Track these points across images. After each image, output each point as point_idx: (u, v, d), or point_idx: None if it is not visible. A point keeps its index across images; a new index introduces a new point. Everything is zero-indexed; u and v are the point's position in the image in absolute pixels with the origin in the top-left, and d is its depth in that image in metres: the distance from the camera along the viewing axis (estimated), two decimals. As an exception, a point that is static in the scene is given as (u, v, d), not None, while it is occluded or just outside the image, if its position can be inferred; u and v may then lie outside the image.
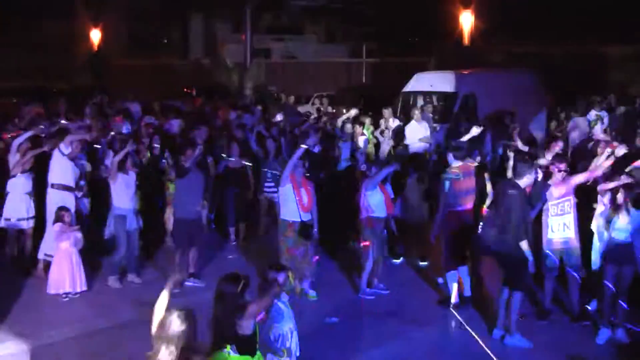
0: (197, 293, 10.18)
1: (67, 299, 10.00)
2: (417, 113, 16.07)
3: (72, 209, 10.77)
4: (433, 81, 19.37)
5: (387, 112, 16.51)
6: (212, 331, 5.82)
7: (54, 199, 10.83)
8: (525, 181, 8.55)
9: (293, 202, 9.93)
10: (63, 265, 9.99)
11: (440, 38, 31.48)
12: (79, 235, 10.22)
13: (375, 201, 10.15)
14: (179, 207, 10.65)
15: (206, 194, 11.30)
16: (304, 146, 10.12)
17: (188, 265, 10.75)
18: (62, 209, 10.33)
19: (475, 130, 11.03)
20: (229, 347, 5.69)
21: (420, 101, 19.07)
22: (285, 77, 32.10)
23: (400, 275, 11.23)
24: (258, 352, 5.90)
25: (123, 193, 10.56)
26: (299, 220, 9.94)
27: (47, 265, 10.56)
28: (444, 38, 30.88)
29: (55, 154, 10.94)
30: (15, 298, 10.06)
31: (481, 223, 8.76)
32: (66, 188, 10.93)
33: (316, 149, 12.99)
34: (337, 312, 9.54)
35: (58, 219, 10.15)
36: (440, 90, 18.91)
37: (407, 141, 14.75)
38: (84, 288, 10.18)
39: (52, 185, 10.90)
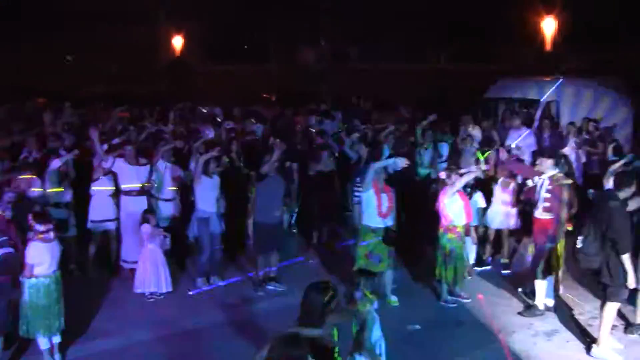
0: (278, 297, 10.32)
1: (152, 299, 10.20)
2: (517, 121, 15.85)
3: (139, 211, 10.91)
4: (515, 87, 19.06)
5: (466, 118, 16.30)
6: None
7: (127, 204, 11.14)
8: (626, 192, 8.30)
9: (374, 207, 9.91)
10: (148, 265, 10.18)
11: (521, 44, 30.96)
12: (165, 237, 10.42)
13: (454, 209, 10.06)
14: (259, 211, 10.69)
15: (286, 199, 11.32)
16: (400, 160, 10.04)
17: (269, 269, 10.84)
18: (147, 211, 10.54)
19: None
20: (309, 356, 5.68)
21: (501, 108, 18.79)
22: (364, 83, 32.03)
23: (483, 283, 11.06)
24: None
25: (207, 196, 10.73)
26: (381, 226, 9.92)
27: (130, 268, 10.84)
28: (525, 44, 30.36)
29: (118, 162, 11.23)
30: (102, 298, 10.32)
31: (580, 237, 8.45)
32: (137, 193, 11.22)
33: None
34: (418, 320, 9.46)
35: (144, 221, 10.37)
36: (522, 96, 18.59)
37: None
38: (169, 289, 10.35)
39: (124, 192, 11.23)
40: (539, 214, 9.56)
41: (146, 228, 10.23)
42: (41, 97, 26.78)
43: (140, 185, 11.28)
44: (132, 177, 11.23)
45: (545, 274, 9.61)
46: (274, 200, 10.66)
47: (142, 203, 11.12)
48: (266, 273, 10.84)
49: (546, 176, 9.56)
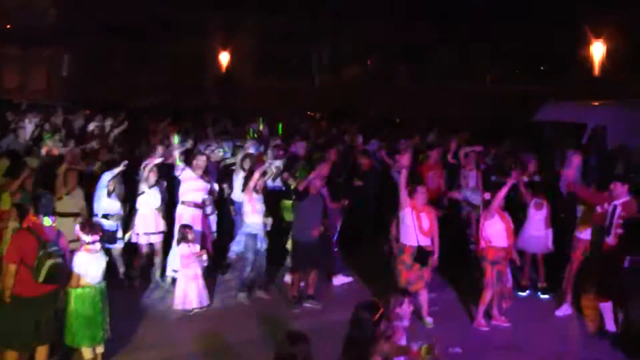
0: (315, 315, 10.38)
1: (193, 312, 10.30)
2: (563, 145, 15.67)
3: (199, 226, 11.17)
4: (561, 111, 18.90)
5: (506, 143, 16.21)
6: (344, 354, 5.89)
7: (183, 215, 11.24)
8: None
9: (411, 226, 9.92)
10: (189, 283, 10.29)
11: (568, 68, 30.70)
12: (204, 254, 10.55)
13: (494, 230, 10.03)
14: (298, 229, 10.82)
15: (325, 218, 11.34)
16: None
17: (307, 287, 10.90)
18: (185, 226, 10.65)
19: None
20: None
21: (548, 131, 18.64)
22: (409, 102, 32.00)
23: (525, 308, 10.93)
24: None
25: (254, 212, 10.86)
26: (416, 244, 9.92)
27: (175, 280, 10.95)
28: (572, 68, 30.09)
29: (186, 169, 11.37)
30: (145, 311, 10.46)
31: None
32: (195, 205, 11.33)
33: None
34: (456, 342, 9.40)
35: (182, 237, 10.50)
36: (569, 120, 18.42)
37: None
38: (208, 302, 10.46)
39: (183, 202, 11.34)
40: (612, 240, 9.49)
41: (183, 247, 10.35)
42: (89, 108, 27.30)
43: (202, 198, 11.41)
44: (196, 188, 11.33)
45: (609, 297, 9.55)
46: (313, 218, 10.74)
47: (198, 216, 11.24)
48: (303, 290, 10.91)
49: (619, 202, 9.51)
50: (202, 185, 11.43)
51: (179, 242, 10.48)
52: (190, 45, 40.42)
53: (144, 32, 38.06)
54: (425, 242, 9.96)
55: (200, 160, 11.45)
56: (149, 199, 11.32)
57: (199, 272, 10.40)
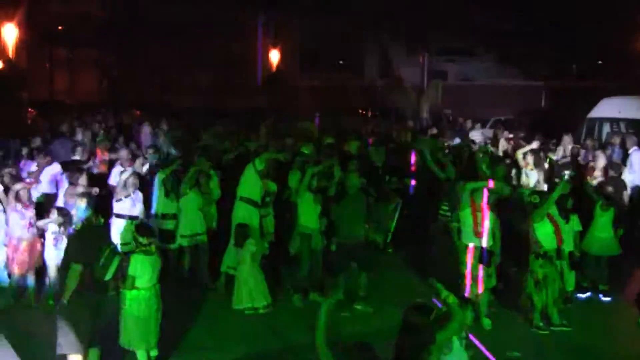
0: (366, 318, 10.19)
1: (250, 312, 10.20)
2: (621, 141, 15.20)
3: (257, 225, 11.06)
4: (622, 107, 18.35)
5: (567, 138, 15.83)
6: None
7: (240, 212, 11.14)
8: None
9: (470, 226, 9.75)
10: (244, 282, 10.23)
11: (628, 61, 30.00)
12: (260, 251, 10.45)
13: (543, 233, 9.79)
14: (342, 230, 10.55)
15: (369, 218, 11.10)
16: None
17: (357, 288, 10.62)
18: (241, 225, 10.59)
19: None
20: None
21: (606, 128, 18.17)
22: (461, 100, 31.67)
23: (583, 311, 10.63)
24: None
25: (310, 212, 10.71)
26: (477, 245, 9.73)
27: (230, 279, 10.89)
28: (632, 61, 29.38)
29: (249, 168, 11.26)
30: (199, 311, 10.40)
31: None
32: (253, 203, 11.22)
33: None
34: (513, 346, 9.16)
35: (239, 235, 10.41)
36: (630, 117, 17.89)
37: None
38: (267, 302, 10.30)
39: (241, 199, 11.22)
40: None
41: (250, 246, 10.27)
42: (138, 109, 27.61)
43: (260, 197, 11.31)
44: (256, 187, 11.22)
45: None
46: (357, 217, 10.52)
47: (255, 214, 11.14)
48: (353, 293, 10.64)
49: None
50: (258, 183, 11.30)
51: (237, 242, 10.35)
52: (236, 46, 40.66)
53: (192, 33, 38.36)
54: (485, 242, 9.74)
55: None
56: (191, 200, 11.27)
57: (258, 271, 10.29)
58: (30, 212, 10.27)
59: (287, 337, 9.56)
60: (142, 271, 7.78)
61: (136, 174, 11.15)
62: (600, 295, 11.14)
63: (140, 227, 8.04)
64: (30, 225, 10.20)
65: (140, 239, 7.80)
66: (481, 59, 39.97)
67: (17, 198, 10.20)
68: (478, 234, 9.73)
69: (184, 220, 11.28)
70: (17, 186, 10.40)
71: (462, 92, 33.74)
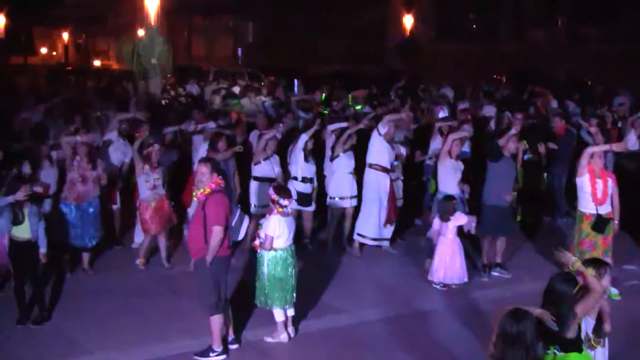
0: (505, 285, 10.06)
1: (443, 288, 9.99)
2: None
3: (387, 191, 11.07)
4: None
5: None
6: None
7: (370, 178, 11.19)
8: None
9: (588, 193, 9.39)
10: (440, 256, 9.97)
11: None
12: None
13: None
14: (489, 193, 10.34)
15: (515, 183, 10.84)
16: None
17: (495, 254, 10.50)
18: (450, 197, 10.11)
19: None
20: (552, 348, 5.46)
21: None
22: (600, 65, 30.34)
23: None
24: (585, 351, 5.62)
25: (450, 178, 10.53)
26: (595, 212, 9.38)
27: (361, 245, 10.96)
28: None
29: (374, 134, 11.28)
30: (334, 274, 10.46)
31: None
32: (382, 169, 11.23)
33: None
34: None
35: (446, 209, 10.07)
36: None
37: None
38: (465, 280, 10.01)
39: (370, 165, 11.26)
40: None
41: (461, 218, 9.99)
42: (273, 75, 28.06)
43: (390, 163, 11.31)
44: (383, 152, 11.22)
45: None
46: (505, 182, 10.27)
47: (385, 179, 11.16)
48: (492, 258, 10.53)
49: None
50: (390, 149, 11.31)
51: (440, 214, 10.07)
52: (369, 12, 40.49)
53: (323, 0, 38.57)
54: (603, 209, 9.38)
55: (388, 124, 11.27)
56: (342, 163, 11.35)
57: (458, 245, 10.01)
58: (156, 174, 10.42)
59: (420, 302, 9.57)
60: (280, 232, 7.94)
61: (274, 137, 11.30)
62: None
63: (278, 188, 8.16)
64: (154, 187, 10.38)
65: (281, 200, 7.94)
66: (623, 23, 37.95)
67: (147, 159, 10.45)
68: (596, 201, 9.38)
69: (333, 182, 11.43)
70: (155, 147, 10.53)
71: (603, 56, 32.30)
